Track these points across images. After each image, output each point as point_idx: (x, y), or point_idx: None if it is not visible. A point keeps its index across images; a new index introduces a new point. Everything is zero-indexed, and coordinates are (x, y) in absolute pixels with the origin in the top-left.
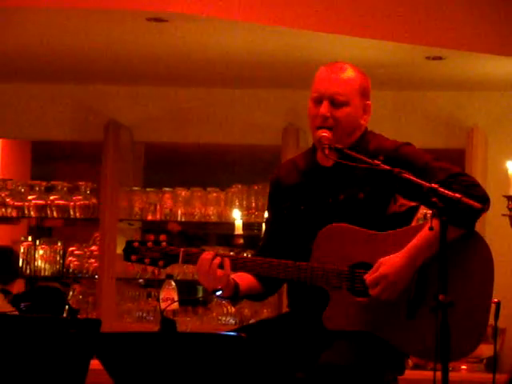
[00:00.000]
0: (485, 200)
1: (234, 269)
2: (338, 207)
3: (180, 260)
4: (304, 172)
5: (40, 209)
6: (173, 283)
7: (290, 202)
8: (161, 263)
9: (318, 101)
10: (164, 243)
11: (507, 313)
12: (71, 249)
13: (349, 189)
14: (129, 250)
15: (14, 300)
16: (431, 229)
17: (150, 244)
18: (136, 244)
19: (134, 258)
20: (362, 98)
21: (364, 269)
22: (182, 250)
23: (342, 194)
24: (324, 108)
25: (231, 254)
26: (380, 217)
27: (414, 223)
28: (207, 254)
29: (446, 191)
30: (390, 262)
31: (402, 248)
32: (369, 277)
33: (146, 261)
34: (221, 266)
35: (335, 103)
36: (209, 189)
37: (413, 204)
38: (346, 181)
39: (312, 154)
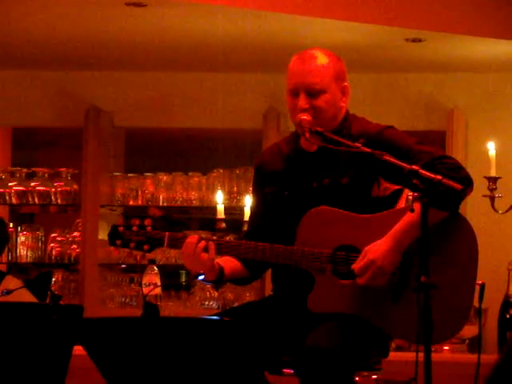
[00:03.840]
0: (468, 182)
1: (219, 253)
2: (322, 192)
3: (165, 244)
4: (288, 157)
5: (21, 195)
6: (155, 268)
7: (274, 188)
8: (146, 247)
9: (295, 93)
10: (149, 227)
11: (488, 293)
12: (53, 235)
13: (333, 173)
14: (114, 234)
15: (27, 285)
16: (412, 210)
17: (135, 228)
18: (121, 228)
19: (118, 242)
20: (339, 82)
21: (348, 251)
22: (167, 233)
23: (326, 179)
24: (302, 101)
25: (215, 238)
26: (364, 201)
27: (399, 206)
28: (192, 238)
29: (427, 173)
30: (375, 248)
31: (387, 231)
32: (357, 265)
33: (131, 245)
34: (206, 250)
35: (312, 93)
36: (190, 173)
37: (397, 187)
38: (330, 165)
39: (295, 139)
